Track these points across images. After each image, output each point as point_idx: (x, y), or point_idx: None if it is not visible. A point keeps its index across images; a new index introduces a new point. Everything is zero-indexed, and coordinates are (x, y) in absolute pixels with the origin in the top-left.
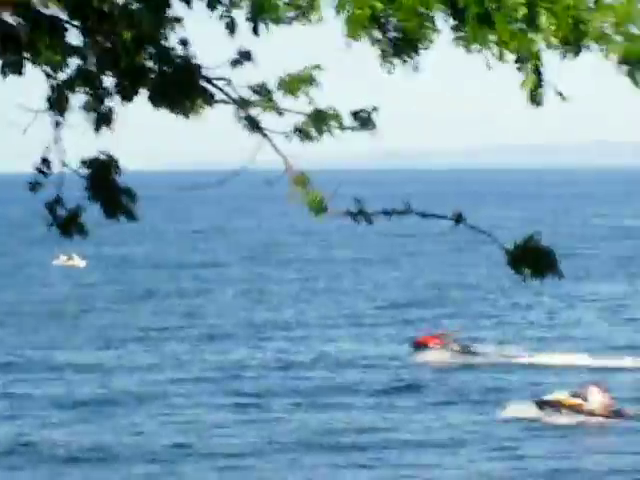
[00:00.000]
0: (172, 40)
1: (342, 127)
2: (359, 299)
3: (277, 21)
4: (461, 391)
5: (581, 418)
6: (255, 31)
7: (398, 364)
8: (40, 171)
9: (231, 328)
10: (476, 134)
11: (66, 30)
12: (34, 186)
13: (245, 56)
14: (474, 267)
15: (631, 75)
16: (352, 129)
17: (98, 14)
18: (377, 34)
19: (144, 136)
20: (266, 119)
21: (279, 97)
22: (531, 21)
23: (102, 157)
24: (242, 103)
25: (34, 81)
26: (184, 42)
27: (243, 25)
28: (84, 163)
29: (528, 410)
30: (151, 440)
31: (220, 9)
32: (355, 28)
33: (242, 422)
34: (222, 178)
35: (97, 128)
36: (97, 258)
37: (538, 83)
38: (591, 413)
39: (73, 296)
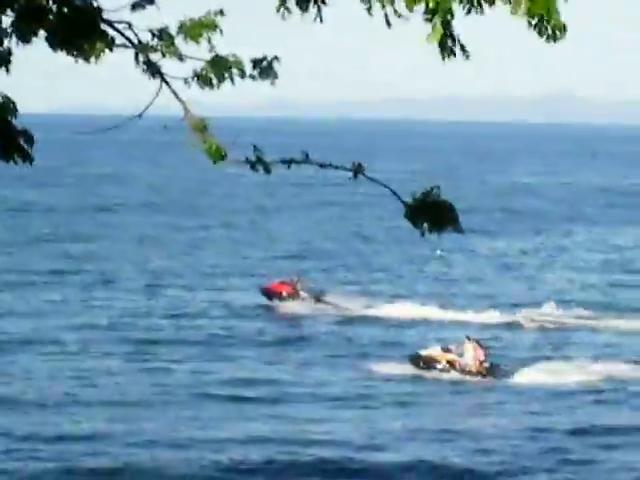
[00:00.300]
0: None
1: (243, 75)
2: (255, 249)
3: None
4: (346, 344)
5: (454, 375)
6: None
7: (289, 315)
8: None
9: (125, 275)
10: (377, 87)
11: None
12: None
13: None
14: (372, 219)
15: (537, 29)
16: (253, 77)
17: None
18: None
19: (40, 78)
20: (167, 64)
21: (180, 42)
22: None
23: None
24: (142, 47)
25: None
26: None
27: None
28: None
29: (403, 365)
30: (42, 386)
31: None
32: None
33: (134, 371)
34: (120, 122)
35: None
36: None
37: (446, 36)
38: (464, 369)
39: None
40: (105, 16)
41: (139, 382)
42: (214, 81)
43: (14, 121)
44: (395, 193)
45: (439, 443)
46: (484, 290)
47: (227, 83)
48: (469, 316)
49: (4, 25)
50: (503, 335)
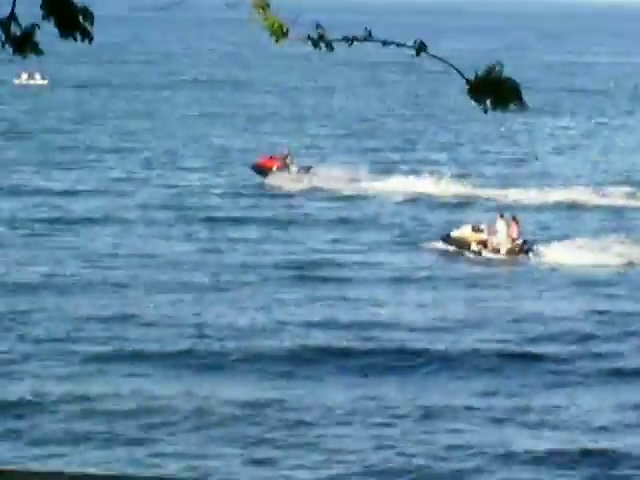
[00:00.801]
0: None
1: None
2: (318, 126)
3: None
4: (408, 225)
5: (486, 254)
6: None
7: (352, 195)
8: None
9: (187, 152)
10: None
11: None
12: None
13: None
14: (434, 97)
15: None
16: None
17: None
18: None
19: None
20: None
21: None
22: None
23: None
24: None
25: None
26: None
27: None
28: None
29: (440, 244)
30: (104, 266)
31: None
32: None
33: (197, 251)
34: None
35: None
36: (58, 77)
37: None
38: (496, 248)
39: (30, 115)
40: None
41: (203, 263)
42: None
43: None
44: (458, 70)
45: (502, 327)
46: (545, 169)
47: None
48: (529, 195)
49: None
50: (561, 215)
